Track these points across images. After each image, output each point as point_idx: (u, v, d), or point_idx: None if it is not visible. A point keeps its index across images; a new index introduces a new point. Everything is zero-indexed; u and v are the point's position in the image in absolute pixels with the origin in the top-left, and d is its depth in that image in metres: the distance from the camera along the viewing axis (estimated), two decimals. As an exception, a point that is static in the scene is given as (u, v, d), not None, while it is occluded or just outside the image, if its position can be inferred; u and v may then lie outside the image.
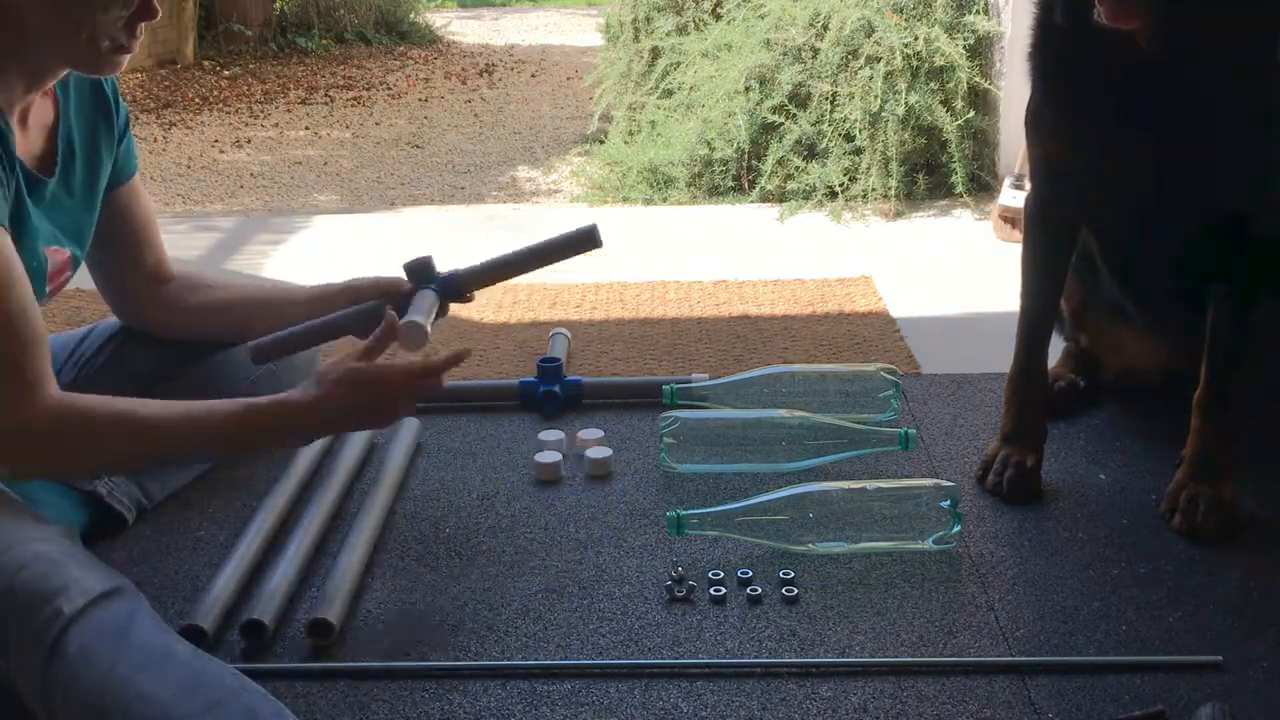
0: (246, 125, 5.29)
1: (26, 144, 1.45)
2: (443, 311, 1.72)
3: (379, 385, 1.47)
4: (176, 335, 1.77)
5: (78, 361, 1.74)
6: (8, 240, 1.31)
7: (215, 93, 5.97)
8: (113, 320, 1.81)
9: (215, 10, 7.08)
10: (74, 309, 2.54)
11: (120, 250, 1.70)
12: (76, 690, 1.08)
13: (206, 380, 1.73)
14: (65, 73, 1.46)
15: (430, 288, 1.68)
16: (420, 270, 1.71)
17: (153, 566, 1.54)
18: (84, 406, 1.35)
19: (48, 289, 1.50)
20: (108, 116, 1.59)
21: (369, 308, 1.68)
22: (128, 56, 1.42)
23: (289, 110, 5.63)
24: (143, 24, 1.40)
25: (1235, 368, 1.62)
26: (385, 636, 1.39)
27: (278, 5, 7.51)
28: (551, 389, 1.99)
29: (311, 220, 3.55)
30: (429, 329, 1.57)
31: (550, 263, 1.78)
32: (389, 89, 6.16)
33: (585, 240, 1.73)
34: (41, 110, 1.48)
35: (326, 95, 5.98)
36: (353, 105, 5.74)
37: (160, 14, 1.42)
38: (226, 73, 6.46)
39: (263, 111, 5.58)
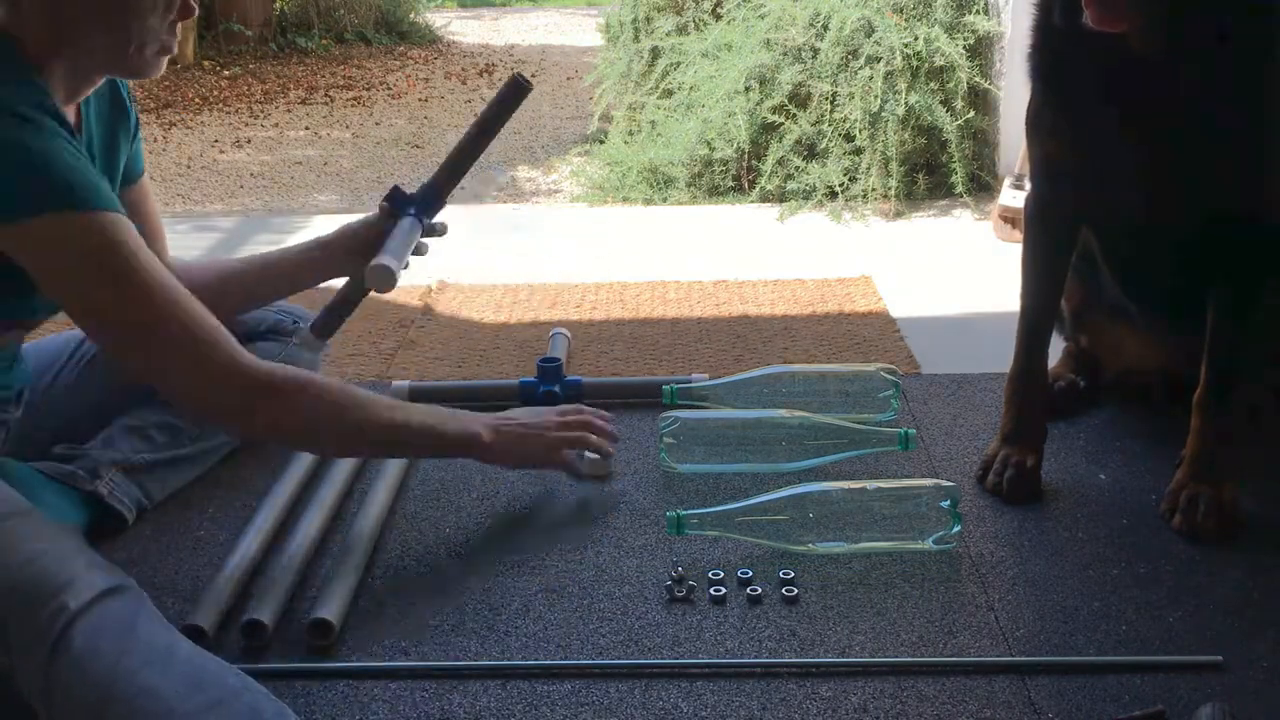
0: (246, 125, 5.29)
1: None
2: (429, 231, 1.79)
3: (547, 439, 1.62)
4: None
5: (79, 362, 1.74)
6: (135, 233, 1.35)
7: (215, 93, 5.97)
8: None
9: (215, 10, 7.07)
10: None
11: None
12: (79, 686, 1.09)
13: None
14: (101, 82, 1.48)
15: (408, 213, 1.73)
16: (392, 199, 1.76)
17: (153, 566, 1.54)
18: (299, 375, 1.43)
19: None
20: (124, 119, 1.59)
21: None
22: (169, 56, 1.46)
23: (289, 110, 5.63)
24: (181, 23, 1.43)
25: (1235, 368, 1.62)
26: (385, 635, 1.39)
27: (278, 5, 7.51)
28: (551, 389, 1.99)
29: (311, 220, 3.55)
30: (396, 269, 1.62)
31: (498, 127, 1.79)
32: (389, 89, 6.16)
33: (516, 90, 1.75)
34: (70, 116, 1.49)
35: (326, 95, 5.98)
36: (353, 105, 5.74)
37: (198, 11, 1.45)
38: (226, 73, 6.45)
39: (263, 111, 5.58)
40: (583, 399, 2.01)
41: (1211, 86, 1.45)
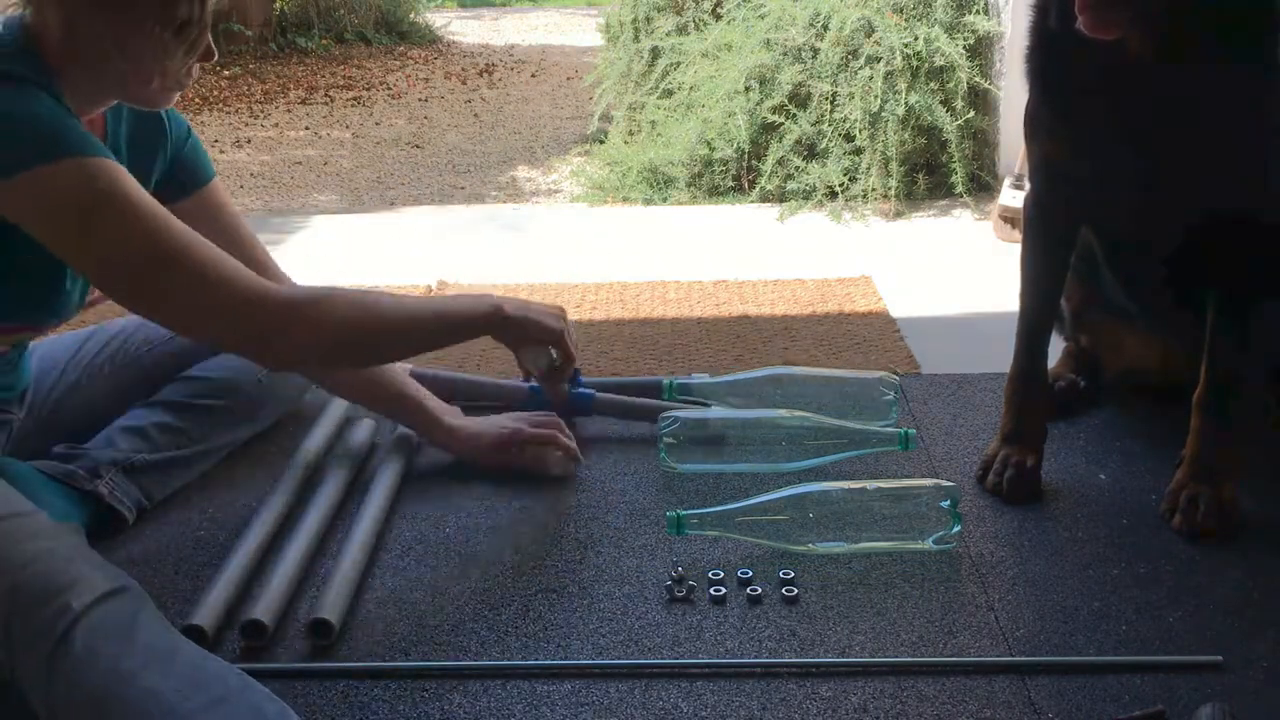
0: (246, 125, 5.29)
1: None
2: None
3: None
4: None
5: (80, 362, 1.74)
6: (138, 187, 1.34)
7: (215, 93, 5.97)
8: (116, 322, 1.81)
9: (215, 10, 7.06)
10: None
11: None
12: (81, 686, 1.09)
13: (179, 364, 1.76)
14: (115, 102, 1.48)
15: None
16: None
17: (153, 566, 1.55)
18: (316, 291, 1.43)
19: (89, 298, 1.51)
20: (160, 130, 1.59)
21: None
22: (177, 95, 1.46)
23: (289, 110, 5.63)
24: (198, 65, 1.43)
25: (1235, 368, 1.62)
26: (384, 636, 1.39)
27: (278, 5, 7.51)
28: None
29: (311, 220, 3.55)
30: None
31: None
32: (389, 89, 6.16)
33: None
34: (90, 127, 1.48)
35: (326, 95, 5.98)
36: (353, 105, 5.74)
37: (216, 55, 1.45)
38: (226, 73, 6.45)
39: (263, 111, 5.58)
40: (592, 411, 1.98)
41: (1207, 90, 1.45)
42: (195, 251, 1.33)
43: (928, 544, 1.54)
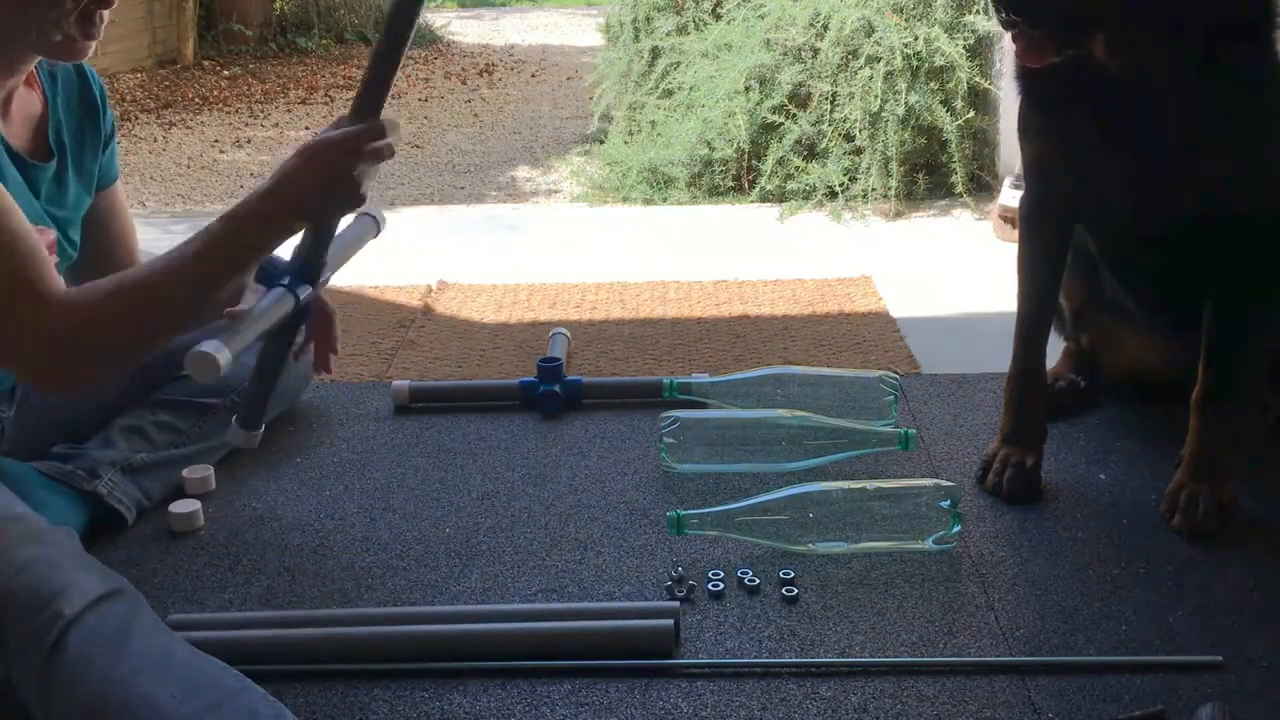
0: (246, 125, 5.29)
1: (10, 132, 1.47)
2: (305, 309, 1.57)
3: (329, 149, 1.44)
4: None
5: None
6: None
7: (215, 93, 5.97)
8: None
9: (215, 10, 7.08)
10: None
11: (97, 256, 1.71)
12: (75, 692, 1.08)
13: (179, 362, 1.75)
14: (37, 60, 1.49)
15: (280, 283, 1.51)
16: (261, 274, 1.52)
17: (153, 566, 1.54)
18: (84, 300, 1.37)
19: None
20: (94, 118, 1.61)
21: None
22: (92, 44, 1.45)
23: (289, 110, 5.63)
24: (103, 12, 1.43)
25: (1234, 367, 1.62)
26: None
27: (278, 5, 7.51)
28: (552, 389, 1.99)
29: (311, 220, 3.55)
30: (221, 359, 1.36)
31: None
32: (389, 89, 6.16)
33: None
34: (27, 101, 1.51)
35: (326, 95, 5.98)
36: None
37: (116, 2, 1.44)
38: (226, 73, 6.46)
39: (263, 111, 5.57)
40: (583, 399, 2.02)
41: (1185, 93, 1.47)
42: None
43: (927, 544, 1.54)
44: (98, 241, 1.70)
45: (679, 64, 3.98)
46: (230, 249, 1.42)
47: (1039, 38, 1.44)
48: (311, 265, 1.54)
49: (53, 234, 1.52)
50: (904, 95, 3.38)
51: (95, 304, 1.37)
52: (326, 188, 1.45)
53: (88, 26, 1.42)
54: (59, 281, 1.37)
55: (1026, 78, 1.60)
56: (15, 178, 1.47)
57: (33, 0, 1.38)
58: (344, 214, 1.52)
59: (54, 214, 1.55)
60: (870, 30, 3.47)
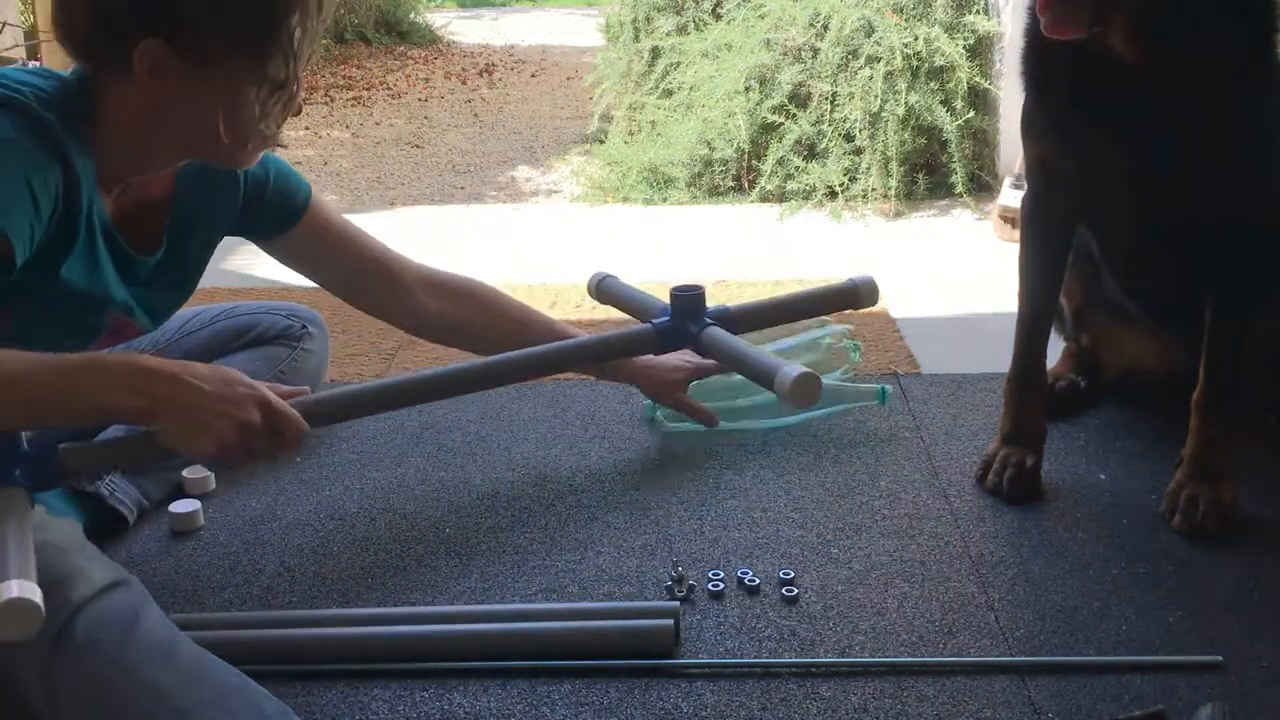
0: (246, 125, 5.28)
1: (126, 220, 1.41)
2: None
3: (255, 394, 1.26)
4: (441, 343, 1.90)
5: None
6: None
7: (215, 93, 5.96)
8: None
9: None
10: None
11: (336, 272, 1.72)
12: (81, 678, 1.09)
13: None
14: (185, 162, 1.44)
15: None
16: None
17: (153, 566, 1.55)
18: None
19: (94, 344, 1.46)
20: (226, 185, 1.55)
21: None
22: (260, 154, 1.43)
23: (289, 110, 5.62)
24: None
25: (1234, 367, 1.62)
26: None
27: (278, 5, 7.50)
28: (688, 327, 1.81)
29: (311, 220, 3.55)
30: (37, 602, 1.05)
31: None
32: (389, 89, 6.16)
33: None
34: (156, 186, 1.45)
35: (326, 95, 5.98)
36: (353, 105, 5.74)
37: (303, 110, 1.41)
38: (226, 73, 6.45)
39: (263, 111, 5.57)
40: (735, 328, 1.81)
41: (1196, 90, 1.46)
42: None
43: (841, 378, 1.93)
44: (325, 259, 1.70)
45: (679, 64, 3.98)
46: (81, 387, 1.17)
47: (1069, 8, 1.40)
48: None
49: (136, 326, 1.48)
50: (904, 95, 3.38)
51: None
52: (211, 405, 1.21)
53: (275, 135, 1.37)
54: None
55: (1035, 72, 1.59)
56: (115, 279, 1.39)
57: (248, 113, 1.30)
58: (182, 448, 1.25)
59: (143, 299, 1.47)
60: (870, 30, 3.47)
